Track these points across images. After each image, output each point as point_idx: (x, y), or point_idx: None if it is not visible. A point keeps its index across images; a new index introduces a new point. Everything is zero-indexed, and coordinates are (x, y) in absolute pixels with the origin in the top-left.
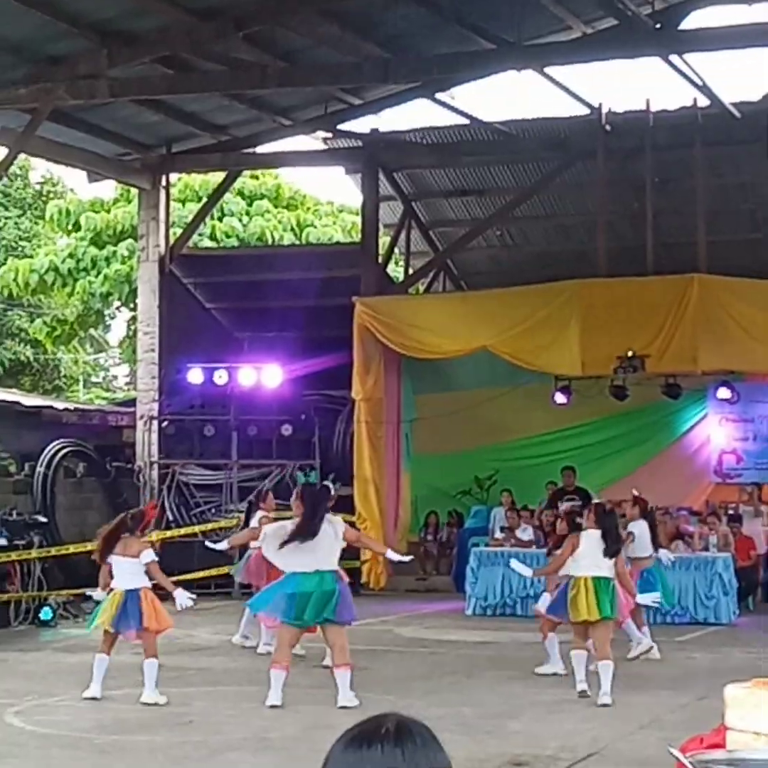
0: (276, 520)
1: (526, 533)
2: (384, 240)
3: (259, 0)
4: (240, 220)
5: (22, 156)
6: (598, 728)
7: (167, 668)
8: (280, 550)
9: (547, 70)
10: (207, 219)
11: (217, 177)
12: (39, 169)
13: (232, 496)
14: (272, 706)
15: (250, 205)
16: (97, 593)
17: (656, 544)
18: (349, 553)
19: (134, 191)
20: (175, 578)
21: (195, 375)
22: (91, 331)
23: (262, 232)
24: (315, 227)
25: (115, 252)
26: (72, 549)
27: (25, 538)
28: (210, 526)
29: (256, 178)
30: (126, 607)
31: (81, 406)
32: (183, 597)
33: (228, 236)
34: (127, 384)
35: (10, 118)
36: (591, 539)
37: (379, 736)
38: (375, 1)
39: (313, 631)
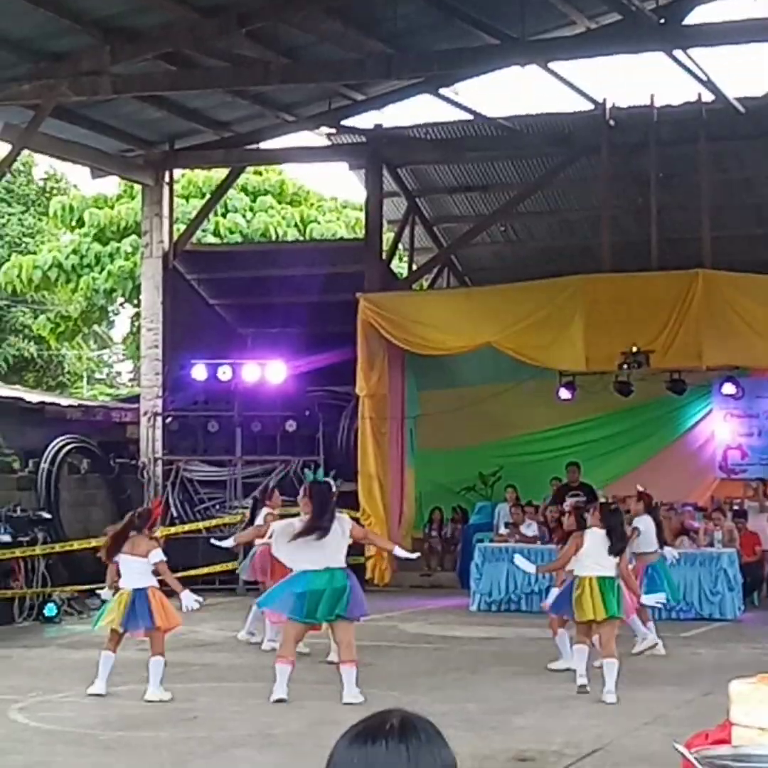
0: (282, 516)
1: (530, 529)
2: (388, 236)
3: None
4: (243, 216)
5: (25, 152)
6: (603, 724)
7: (172, 664)
8: (290, 548)
9: (551, 65)
10: (210, 215)
11: (221, 173)
12: (42, 165)
13: (236, 492)
14: (278, 700)
15: (253, 201)
16: (104, 592)
17: (662, 541)
18: (354, 549)
19: (138, 187)
20: (179, 574)
21: (199, 371)
22: (95, 327)
23: (266, 228)
24: (319, 223)
25: (118, 248)
26: (76, 545)
27: (29, 534)
28: (214, 522)
29: (260, 174)
30: (135, 606)
31: (85, 403)
32: (189, 599)
33: (231, 232)
34: (130, 380)
35: (13, 114)
36: (595, 538)
37: (383, 732)
38: None
39: (318, 629)
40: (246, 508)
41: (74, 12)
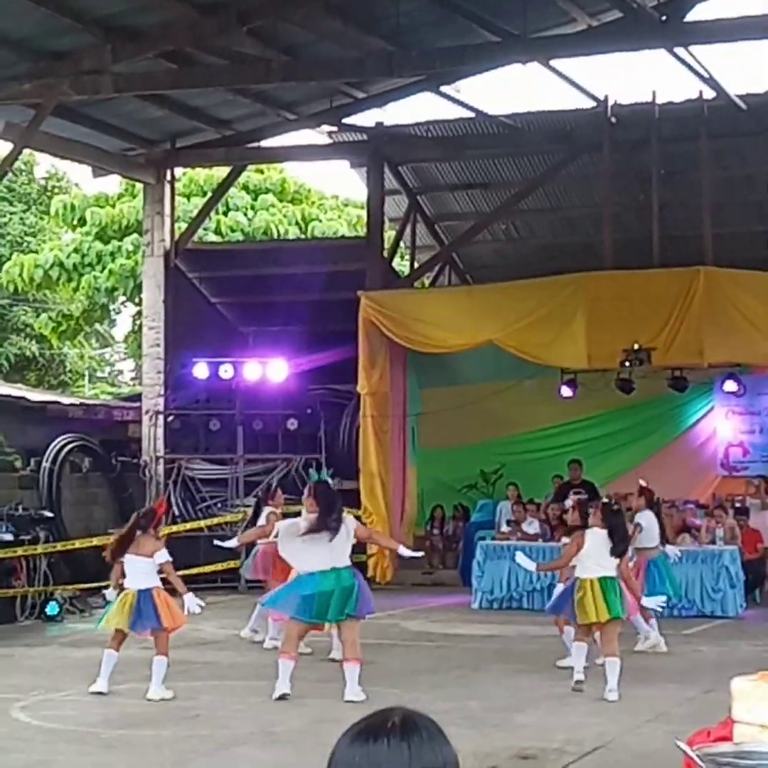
0: (284, 515)
1: (532, 527)
2: (389, 234)
3: None
4: (245, 215)
5: (26, 151)
6: (604, 722)
7: (174, 662)
8: (295, 548)
9: (552, 62)
10: (212, 213)
11: (222, 171)
12: (43, 164)
13: (238, 490)
14: (282, 695)
15: (255, 199)
16: (109, 593)
17: (664, 538)
18: (355, 547)
19: (139, 186)
20: (180, 573)
21: (200, 369)
22: (97, 326)
23: (267, 226)
24: (320, 221)
25: (120, 247)
26: (78, 544)
27: (30, 533)
28: (216, 520)
29: (261, 172)
30: (140, 608)
31: (86, 401)
32: (192, 603)
33: (233, 231)
34: (132, 379)
35: (14, 113)
36: (596, 538)
37: (385, 730)
38: None
39: (321, 629)
40: (247, 506)
41: (75, 11)
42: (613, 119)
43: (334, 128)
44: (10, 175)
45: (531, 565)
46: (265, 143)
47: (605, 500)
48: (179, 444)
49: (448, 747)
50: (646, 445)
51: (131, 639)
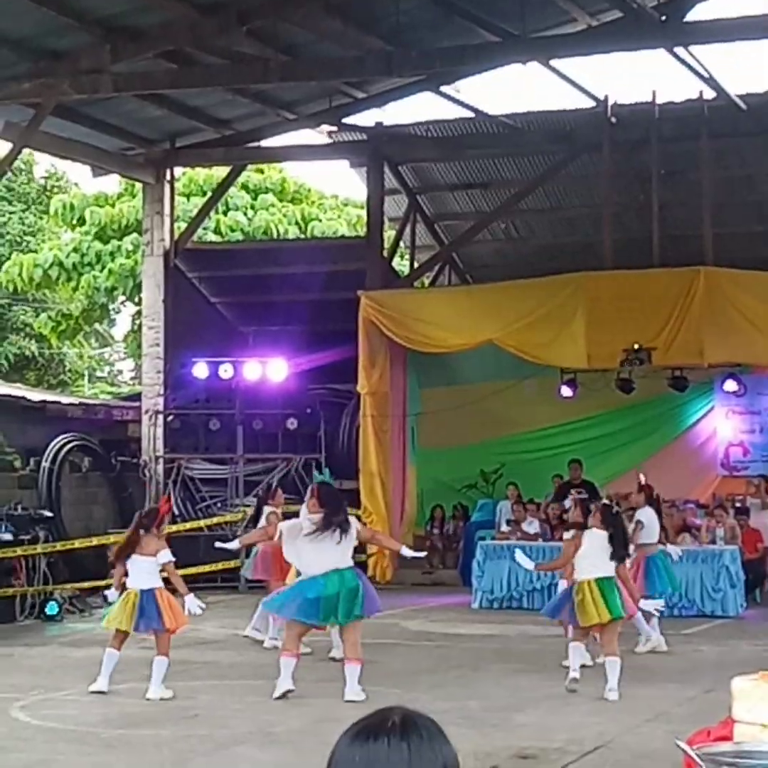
0: (285, 515)
1: (532, 526)
2: (389, 233)
3: None
4: (245, 214)
5: (26, 151)
6: (604, 721)
7: (173, 662)
8: (298, 549)
9: (552, 62)
10: (212, 213)
11: (222, 171)
12: (43, 163)
13: (238, 490)
14: (284, 693)
15: (254, 199)
16: (111, 593)
17: (665, 537)
18: (355, 547)
19: (138, 186)
20: (180, 572)
21: (200, 369)
22: (96, 325)
23: (267, 226)
24: (320, 221)
25: (119, 246)
26: (77, 544)
27: (30, 532)
28: (215, 520)
29: (261, 172)
30: (143, 608)
31: (86, 401)
32: (193, 604)
33: (233, 230)
34: (132, 378)
35: (13, 112)
36: (595, 539)
37: (385, 729)
38: None
39: (322, 630)
40: (247, 506)
41: (75, 10)
42: (613, 119)
43: (334, 128)
44: (9, 174)
45: (530, 565)
46: (265, 143)
47: (606, 502)
48: (179, 444)
49: (447, 747)
50: (646, 445)
51: (131, 639)
